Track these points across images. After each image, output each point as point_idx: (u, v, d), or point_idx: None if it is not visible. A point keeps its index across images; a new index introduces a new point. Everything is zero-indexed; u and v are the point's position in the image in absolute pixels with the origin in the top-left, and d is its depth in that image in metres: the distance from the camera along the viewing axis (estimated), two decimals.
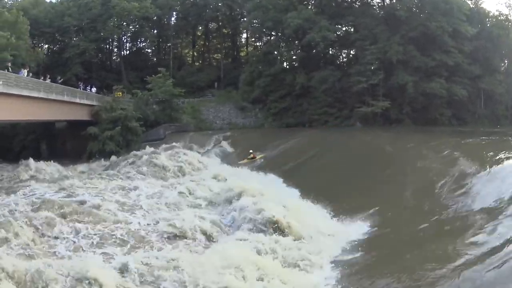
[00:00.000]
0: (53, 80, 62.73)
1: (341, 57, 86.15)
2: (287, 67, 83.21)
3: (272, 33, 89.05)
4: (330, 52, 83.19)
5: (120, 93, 73.04)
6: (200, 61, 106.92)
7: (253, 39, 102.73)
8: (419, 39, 69.89)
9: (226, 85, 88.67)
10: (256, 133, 70.10)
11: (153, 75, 74.29)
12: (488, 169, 30.43)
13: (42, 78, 60.66)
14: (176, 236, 23.56)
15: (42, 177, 48.46)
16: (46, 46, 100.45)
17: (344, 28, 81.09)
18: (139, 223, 25.77)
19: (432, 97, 69.24)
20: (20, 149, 70.37)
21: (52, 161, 55.04)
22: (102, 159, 59.22)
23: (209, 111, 79.69)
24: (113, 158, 56.77)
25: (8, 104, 43.71)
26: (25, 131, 71.77)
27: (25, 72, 52.74)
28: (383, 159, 43.05)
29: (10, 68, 49.40)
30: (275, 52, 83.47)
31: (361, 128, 68.71)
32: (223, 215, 28.03)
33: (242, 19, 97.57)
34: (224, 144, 63.61)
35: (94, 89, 75.09)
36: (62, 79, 71.37)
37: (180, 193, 34.49)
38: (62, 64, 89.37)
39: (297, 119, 76.36)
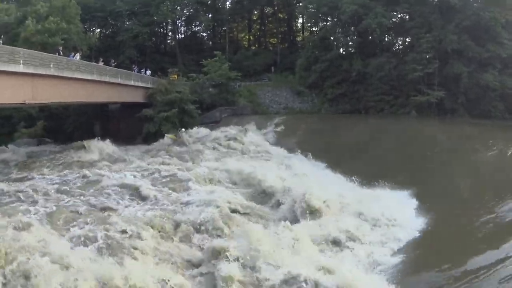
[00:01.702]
0: (107, 63, 62.44)
1: (396, 44, 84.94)
2: (344, 53, 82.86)
3: (328, 18, 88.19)
4: (386, 39, 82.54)
5: (176, 76, 74.62)
6: (256, 45, 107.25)
7: (309, 24, 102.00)
8: (473, 29, 69.14)
9: (283, 70, 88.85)
10: (312, 119, 70.69)
11: (208, 59, 75.38)
12: None
13: (95, 61, 61.45)
14: None
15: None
16: (98, 30, 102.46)
17: (399, 15, 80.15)
18: None
19: (486, 89, 68.16)
20: (72, 130, 71.71)
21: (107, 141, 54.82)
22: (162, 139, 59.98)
23: (265, 95, 79.48)
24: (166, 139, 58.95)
25: (60, 86, 44.86)
26: (78, 113, 72.98)
27: (77, 55, 53.79)
28: (437, 150, 46.06)
29: (61, 52, 50.64)
30: (331, 38, 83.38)
31: (416, 117, 68.58)
32: None
33: (297, 4, 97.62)
34: (280, 128, 62.62)
35: (148, 72, 76.15)
36: (116, 62, 70.45)
37: None
38: (115, 47, 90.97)
39: (353, 105, 76.65)
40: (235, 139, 53.56)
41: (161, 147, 55.13)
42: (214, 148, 50.59)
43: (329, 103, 76.88)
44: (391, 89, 73.31)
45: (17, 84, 37.96)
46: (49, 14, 74.17)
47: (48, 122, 74.84)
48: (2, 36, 43.77)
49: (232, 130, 57.99)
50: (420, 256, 22.73)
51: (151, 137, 61.56)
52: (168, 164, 40.77)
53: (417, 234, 25.38)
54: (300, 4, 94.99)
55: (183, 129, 60.26)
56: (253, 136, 56.89)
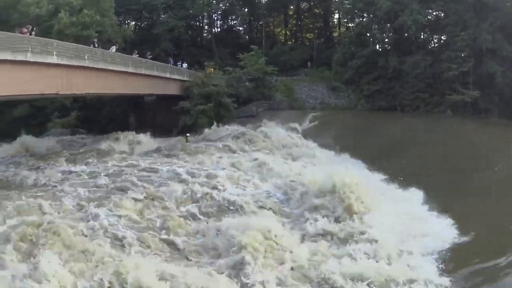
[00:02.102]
0: (143, 56, 62.37)
1: (432, 42, 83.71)
2: (380, 49, 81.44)
3: (364, 14, 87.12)
4: (422, 37, 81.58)
5: (212, 69, 73.73)
6: (293, 40, 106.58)
7: (345, 20, 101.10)
8: (507, 28, 67.96)
9: (319, 65, 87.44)
10: (348, 114, 70.65)
11: (245, 53, 74.67)
12: None
13: (130, 53, 60.75)
14: None
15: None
16: (133, 23, 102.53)
17: (434, 13, 79.37)
18: None
19: None
20: (107, 122, 71.26)
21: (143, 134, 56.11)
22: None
23: (302, 90, 78.72)
24: (208, 130, 58.88)
25: (95, 78, 44.88)
26: (113, 104, 72.87)
27: (113, 48, 53.88)
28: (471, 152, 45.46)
29: (96, 44, 50.62)
30: (367, 34, 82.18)
31: (451, 116, 67.13)
32: None
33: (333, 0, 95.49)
34: (316, 124, 63.49)
35: (185, 65, 76.46)
36: (151, 55, 70.58)
37: None
38: (151, 40, 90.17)
39: (389, 102, 74.05)
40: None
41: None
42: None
43: (365, 99, 75.76)
44: (426, 87, 72.12)
45: (51, 75, 37.68)
46: (82, 7, 74.89)
47: (82, 113, 74.50)
48: (35, 28, 42.68)
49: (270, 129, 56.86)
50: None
51: (187, 130, 60.83)
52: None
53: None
54: (336, 0, 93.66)
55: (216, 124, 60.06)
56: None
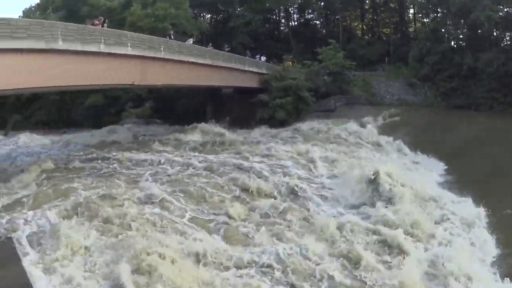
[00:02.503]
0: (219, 48, 62.77)
1: (504, 40, 79.81)
2: (455, 46, 79.19)
3: (438, 9, 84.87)
4: (495, 34, 78.38)
5: (290, 62, 72.67)
6: (370, 35, 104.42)
7: (420, 15, 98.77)
8: None
9: (396, 60, 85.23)
10: (425, 111, 69.35)
11: (323, 47, 73.17)
12: None
13: (205, 45, 60.56)
14: None
15: None
16: (209, 16, 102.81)
17: (505, 9, 75.17)
18: None
19: None
20: (183, 112, 70.01)
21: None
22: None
23: (379, 86, 76.67)
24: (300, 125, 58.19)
25: (170, 69, 44.78)
26: (189, 95, 72.43)
27: (190, 40, 54.70)
28: None
29: (172, 36, 50.84)
30: (442, 30, 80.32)
31: None
32: None
33: None
34: (394, 120, 62.10)
35: (263, 58, 76.64)
36: (229, 48, 71.15)
37: None
38: (227, 33, 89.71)
39: (464, 100, 71.10)
40: None
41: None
42: None
43: (441, 96, 73.29)
44: (501, 86, 68.69)
45: (126, 66, 37.77)
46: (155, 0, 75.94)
47: (156, 104, 75.17)
48: (107, 20, 43.20)
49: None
50: None
51: (264, 123, 60.06)
52: None
53: None
54: None
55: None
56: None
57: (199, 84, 54.99)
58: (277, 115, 60.79)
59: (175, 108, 72.32)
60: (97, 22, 38.20)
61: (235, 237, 22.99)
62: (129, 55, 37.56)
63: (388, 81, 77.42)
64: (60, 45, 29.96)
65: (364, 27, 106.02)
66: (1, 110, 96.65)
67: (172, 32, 54.01)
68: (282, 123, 59.56)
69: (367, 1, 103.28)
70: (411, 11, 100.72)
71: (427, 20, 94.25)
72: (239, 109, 65.01)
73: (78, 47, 31.42)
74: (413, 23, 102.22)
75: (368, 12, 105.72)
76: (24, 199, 26.90)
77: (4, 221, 23.01)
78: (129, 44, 37.10)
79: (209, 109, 69.71)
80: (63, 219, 22.81)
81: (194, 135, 51.06)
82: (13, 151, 53.15)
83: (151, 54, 40.46)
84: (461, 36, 78.99)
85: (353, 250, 20.86)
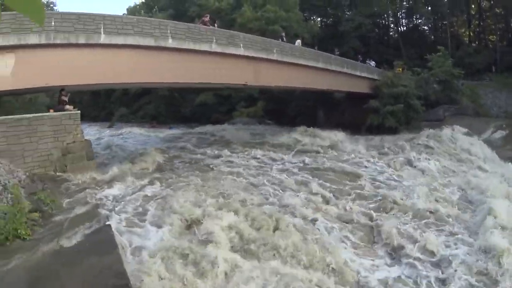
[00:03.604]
0: (331, 52, 61.21)
1: None
2: None
3: None
4: None
5: (400, 69, 68.65)
6: (476, 42, 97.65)
7: None
8: None
9: (503, 70, 78.80)
10: None
11: (432, 53, 68.83)
12: None
13: (317, 49, 60.98)
14: None
15: None
16: (319, 19, 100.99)
17: None
18: None
19: None
20: (295, 115, 69.66)
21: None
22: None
23: (487, 96, 70.52)
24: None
25: (282, 71, 43.11)
26: (301, 98, 70.57)
27: (298, 41, 51.86)
28: None
29: (284, 38, 49.77)
30: None
31: None
32: None
33: None
34: (499, 133, 55.99)
35: (373, 63, 74.56)
36: (338, 52, 69.97)
37: None
38: (338, 36, 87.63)
39: None
40: None
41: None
42: None
43: None
44: None
45: (239, 66, 37.45)
46: (266, 2, 75.38)
47: (268, 104, 74.13)
48: (216, 21, 43.18)
49: None
50: None
51: (373, 129, 57.23)
52: None
53: None
54: None
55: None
56: None
57: (311, 87, 52.62)
58: (387, 122, 57.43)
59: (286, 110, 71.26)
60: (205, 19, 38.07)
61: None
62: (241, 56, 36.85)
63: (496, 91, 71.15)
64: (170, 43, 30.29)
65: (471, 34, 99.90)
66: (108, 103, 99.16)
67: (284, 34, 52.58)
68: (392, 131, 56.01)
69: (473, 6, 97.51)
70: None
71: None
72: (350, 114, 63.05)
73: (190, 45, 31.66)
74: None
75: (475, 17, 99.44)
76: None
77: None
78: (241, 45, 36.54)
79: (320, 113, 68.19)
80: None
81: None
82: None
83: (264, 56, 39.47)
84: None
85: None
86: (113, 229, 16.29)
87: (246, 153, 38.92)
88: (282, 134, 51.84)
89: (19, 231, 15.04)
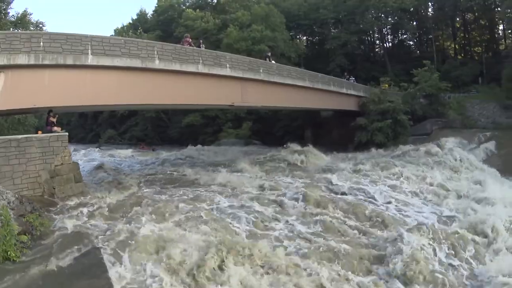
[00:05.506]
0: (316, 70, 59.42)
1: None
2: None
3: None
4: None
5: (387, 85, 70.39)
6: (462, 55, 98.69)
7: (509, 31, 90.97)
8: None
9: (489, 81, 79.49)
10: None
11: (419, 68, 68.66)
12: None
13: (304, 68, 62.08)
14: None
15: None
16: (305, 38, 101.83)
17: None
18: None
19: None
20: (282, 134, 69.23)
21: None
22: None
23: (474, 108, 70.70)
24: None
25: (269, 91, 43.28)
26: (289, 118, 70.92)
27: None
28: None
29: (270, 58, 48.71)
30: None
31: None
32: None
33: (496, 9, 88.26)
34: (488, 145, 55.25)
35: (352, 79, 72.13)
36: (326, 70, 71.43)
37: None
38: (324, 55, 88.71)
39: None
40: None
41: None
42: None
43: None
44: None
45: (225, 86, 37.39)
46: (251, 22, 76.47)
47: (255, 124, 74.46)
48: (202, 41, 42.05)
49: None
50: None
51: (361, 146, 57.29)
52: None
53: None
54: (499, 9, 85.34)
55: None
56: None
57: (298, 106, 53.07)
58: (375, 139, 57.44)
59: (274, 129, 71.22)
60: (188, 39, 37.23)
61: None
62: (228, 76, 36.79)
63: (483, 103, 71.26)
64: (157, 64, 30.33)
65: (457, 47, 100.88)
66: (95, 124, 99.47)
67: (269, 54, 51.54)
68: (380, 147, 55.97)
69: (458, 19, 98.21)
70: (501, 27, 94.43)
71: None
72: (337, 132, 63.26)
73: (177, 66, 31.65)
74: (503, 40, 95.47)
75: (460, 30, 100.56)
76: None
77: None
78: (227, 65, 36.51)
79: (308, 132, 67.85)
80: None
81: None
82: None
83: (251, 76, 39.49)
84: None
85: None
86: (101, 253, 16.37)
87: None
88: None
89: (8, 253, 15.08)
